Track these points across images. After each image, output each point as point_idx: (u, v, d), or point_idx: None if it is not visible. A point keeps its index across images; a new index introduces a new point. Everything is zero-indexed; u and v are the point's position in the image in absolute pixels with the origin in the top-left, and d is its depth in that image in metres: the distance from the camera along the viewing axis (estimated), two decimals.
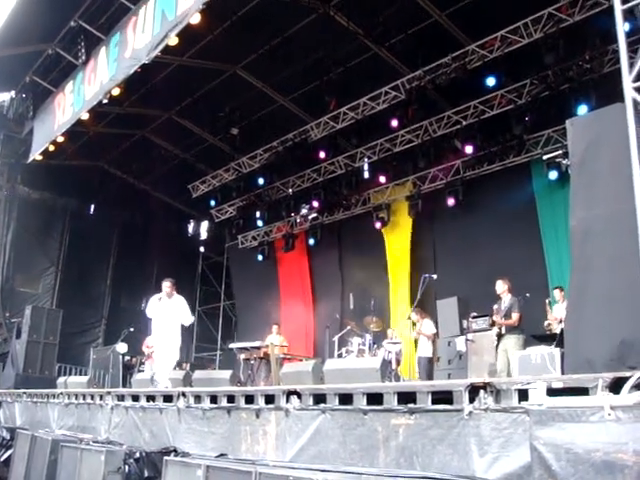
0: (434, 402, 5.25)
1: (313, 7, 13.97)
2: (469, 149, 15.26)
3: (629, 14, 5.47)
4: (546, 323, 11.38)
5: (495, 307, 11.17)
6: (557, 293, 11.83)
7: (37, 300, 20.91)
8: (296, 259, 20.80)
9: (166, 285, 10.79)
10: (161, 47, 11.67)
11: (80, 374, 18.91)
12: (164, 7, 11.52)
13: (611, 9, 5.61)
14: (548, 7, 12.27)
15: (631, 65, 5.21)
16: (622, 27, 5.34)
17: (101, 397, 10.61)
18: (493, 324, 11.16)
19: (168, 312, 10.47)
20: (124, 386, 15.17)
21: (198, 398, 8.22)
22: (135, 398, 9.68)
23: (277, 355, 13.73)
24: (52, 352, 17.96)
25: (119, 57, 12.99)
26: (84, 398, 11.23)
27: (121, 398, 10.06)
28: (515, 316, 10.75)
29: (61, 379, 13.51)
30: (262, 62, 16.06)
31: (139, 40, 12.24)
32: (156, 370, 10.53)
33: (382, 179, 17.82)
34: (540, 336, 10.99)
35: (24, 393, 13.63)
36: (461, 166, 16.06)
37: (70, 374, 18.46)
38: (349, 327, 14.29)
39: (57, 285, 21.98)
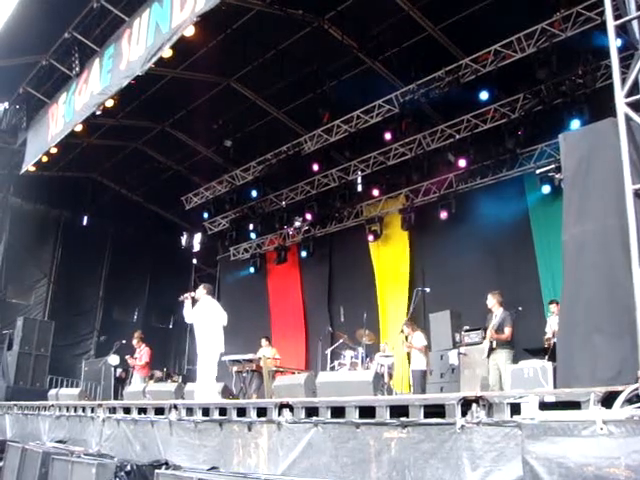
0: (426, 415, 5.25)
1: (307, 20, 14.02)
2: (462, 163, 15.30)
3: (621, 30, 5.51)
4: (546, 337, 11.37)
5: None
6: (553, 307, 11.83)
7: (29, 312, 20.83)
8: (287, 272, 20.77)
9: (200, 288, 10.56)
10: (155, 59, 11.68)
11: (72, 386, 18.83)
12: (158, 19, 11.54)
13: (603, 25, 5.65)
14: (541, 22, 12.35)
15: (623, 80, 5.24)
16: (614, 43, 5.38)
17: (92, 409, 10.58)
18: (486, 337, 11.15)
19: (201, 315, 10.25)
20: (116, 398, 15.10)
21: (190, 410, 8.20)
22: (127, 410, 9.66)
23: (269, 368, 13.68)
24: (43, 364, 17.90)
25: (113, 69, 12.99)
26: (75, 410, 11.20)
27: (113, 410, 10.04)
28: (507, 330, 10.73)
29: (52, 391, 13.47)
30: (256, 74, 16.12)
31: (134, 52, 12.25)
32: (198, 380, 10.24)
33: (375, 192, 17.84)
34: (532, 350, 10.98)
35: (15, 405, 13.58)
36: (454, 179, 16.09)
37: (61, 386, 18.37)
38: (341, 340, 14.26)
39: (49, 297, 21.90)
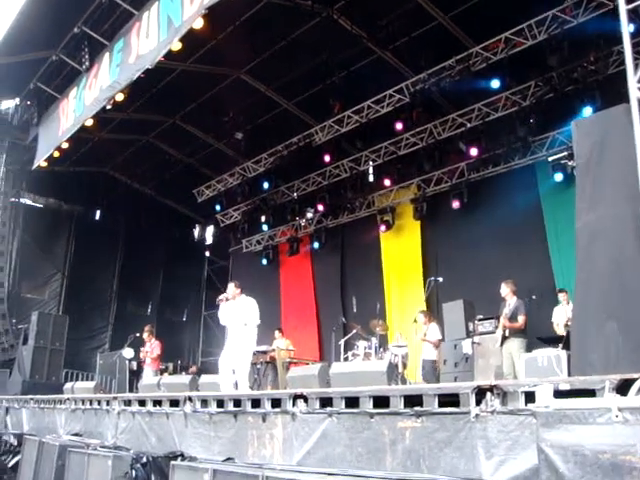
0: (441, 405, 5.24)
1: (316, 11, 13.97)
2: (474, 151, 15.23)
3: (634, 14, 5.45)
4: (555, 324, 11.33)
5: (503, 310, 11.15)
6: (561, 296, 11.79)
7: (43, 306, 20.97)
8: (299, 263, 20.79)
9: (230, 287, 10.52)
10: (164, 52, 11.69)
11: (87, 380, 18.94)
12: (170, 12, 11.52)
13: (615, 10, 5.60)
14: (552, 9, 12.25)
15: (636, 66, 5.20)
16: (627, 28, 5.33)
17: (108, 402, 10.63)
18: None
19: (233, 315, 10.20)
20: (131, 391, 15.17)
21: (205, 402, 8.22)
22: (142, 403, 9.69)
23: (283, 359, 13.72)
24: (59, 358, 17.99)
25: (122, 63, 13.00)
26: (91, 403, 11.25)
27: (128, 403, 10.08)
28: (521, 319, 10.71)
29: (68, 385, 13.55)
30: (266, 66, 16.11)
31: (144, 46, 12.24)
32: (220, 376, 10.23)
33: (387, 182, 17.80)
34: (546, 338, 10.95)
35: (31, 399, 13.66)
36: (466, 168, 16.04)
37: (77, 380, 18.47)
38: (355, 330, 14.27)
39: (63, 291, 22.03)
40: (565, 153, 13.55)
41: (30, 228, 20.83)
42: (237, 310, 10.06)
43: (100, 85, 13.72)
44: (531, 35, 12.72)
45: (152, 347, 15.07)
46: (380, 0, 13.81)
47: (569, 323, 10.05)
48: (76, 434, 11.02)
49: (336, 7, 14.02)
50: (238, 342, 9.97)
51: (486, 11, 13.09)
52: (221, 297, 10.33)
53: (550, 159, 14.11)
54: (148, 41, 12.12)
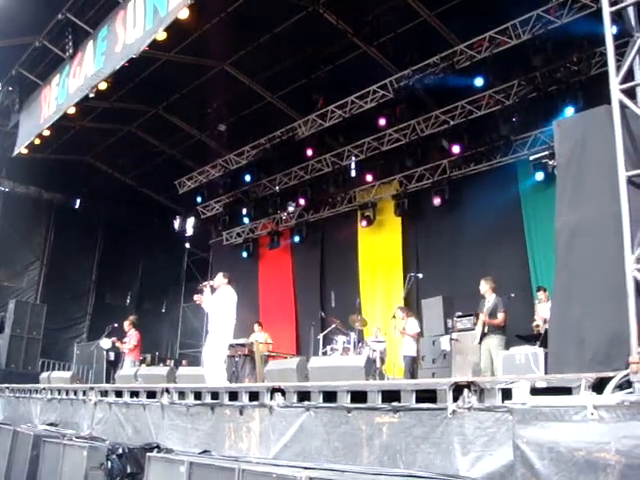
0: (418, 401, 5.26)
1: (302, 5, 13.95)
2: (456, 149, 15.32)
3: (617, 17, 5.48)
4: (534, 324, 11.41)
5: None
6: (540, 294, 11.89)
7: (21, 295, 20.82)
8: (279, 256, 20.82)
9: (218, 276, 10.56)
10: (149, 41, 11.62)
11: (64, 369, 18.85)
12: (155, 2, 11.45)
13: (599, 12, 5.63)
14: (537, 9, 12.32)
15: (618, 67, 5.23)
16: (610, 30, 5.36)
17: (84, 393, 10.59)
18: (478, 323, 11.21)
19: (213, 303, 10.28)
20: (108, 382, 15.11)
21: (182, 394, 8.21)
22: (118, 394, 9.67)
23: (262, 352, 13.71)
24: (35, 347, 17.88)
25: (108, 51, 12.89)
26: (67, 394, 11.20)
27: (104, 394, 10.05)
28: (501, 316, 10.77)
29: (44, 374, 13.45)
30: (250, 59, 16.05)
31: (130, 35, 12.14)
32: (205, 367, 10.30)
33: (369, 178, 17.85)
34: (524, 336, 11.03)
35: (7, 388, 13.57)
36: (448, 166, 16.11)
37: (53, 369, 18.39)
38: (334, 325, 14.29)
39: (41, 280, 21.89)
40: (546, 152, 13.64)
41: (9, 215, 20.66)
42: (219, 298, 10.12)
43: (85, 73, 13.59)
44: (515, 34, 12.79)
45: (129, 337, 15.00)
46: None
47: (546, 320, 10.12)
48: (51, 424, 10.97)
49: (322, 1, 13.99)
50: (216, 330, 10.04)
51: (471, 9, 13.13)
52: (205, 284, 10.38)
53: (531, 158, 14.22)
54: (135, 31, 12.02)
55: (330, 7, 14.11)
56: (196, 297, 10.47)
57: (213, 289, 10.31)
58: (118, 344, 15.20)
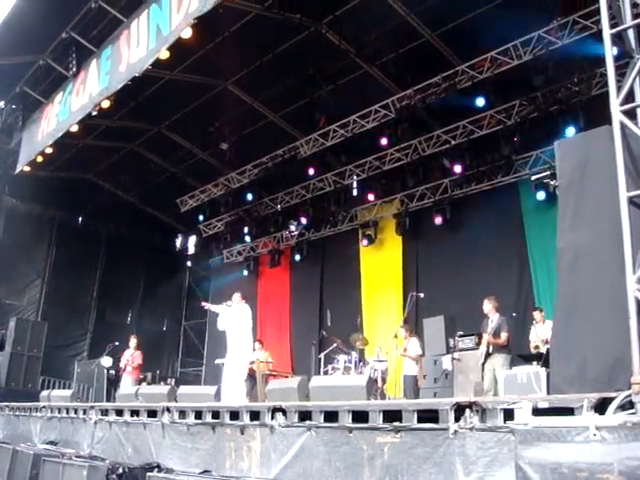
0: (420, 421, 5.24)
1: (305, 25, 14.02)
2: (458, 168, 15.34)
3: (617, 38, 5.52)
4: (532, 344, 11.38)
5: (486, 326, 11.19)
6: (536, 314, 11.86)
7: (22, 312, 20.73)
8: (278, 275, 20.80)
9: (235, 296, 10.77)
10: (152, 60, 11.69)
11: (64, 388, 18.73)
12: (158, 21, 11.53)
13: (599, 33, 5.67)
14: (538, 30, 12.40)
15: (619, 88, 5.26)
16: (610, 51, 5.40)
17: (84, 411, 10.55)
18: (479, 342, 11.18)
19: (230, 322, 10.48)
20: (108, 400, 15.05)
21: (183, 413, 8.18)
22: (119, 413, 9.64)
23: (263, 371, 13.68)
24: (36, 365, 17.83)
25: (112, 70, 12.96)
26: (67, 412, 11.17)
27: (105, 412, 10.01)
28: (504, 335, 10.76)
29: (44, 392, 13.41)
30: (253, 78, 16.11)
31: (134, 54, 12.22)
32: (224, 385, 10.46)
33: (370, 197, 17.87)
34: (526, 356, 11.00)
35: (6, 406, 13.52)
36: (449, 185, 16.12)
37: (54, 387, 18.26)
38: (335, 344, 14.26)
39: (42, 297, 21.79)
40: (548, 172, 13.62)
41: (11, 233, 20.64)
42: (236, 317, 10.32)
43: (89, 92, 13.65)
44: (517, 55, 12.86)
45: (133, 356, 14.99)
46: (368, 16, 13.85)
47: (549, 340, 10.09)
48: (51, 443, 10.93)
49: (324, 21, 14.08)
50: (235, 348, 10.22)
51: (473, 30, 13.19)
52: (222, 305, 10.62)
53: (533, 178, 14.22)
54: (139, 50, 12.10)
55: (332, 27, 14.18)
56: (204, 303, 10.67)
57: (230, 308, 10.55)
58: (123, 361, 15.15)
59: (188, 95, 17.15)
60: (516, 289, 14.36)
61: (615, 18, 5.67)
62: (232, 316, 10.44)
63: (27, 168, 16.94)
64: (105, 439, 9.64)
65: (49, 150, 15.79)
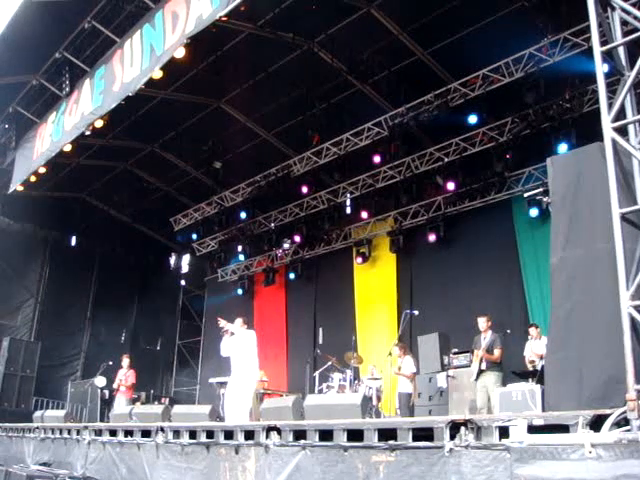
0: (415, 439, 5.22)
1: (298, 43, 14.10)
2: (451, 185, 15.37)
3: (608, 56, 5.57)
4: (529, 359, 11.37)
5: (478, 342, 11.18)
6: (532, 330, 11.85)
7: (15, 332, 20.64)
8: (273, 293, 20.74)
9: (237, 321, 10.83)
10: (145, 80, 11.73)
11: (57, 408, 18.63)
12: (152, 41, 11.57)
13: (590, 50, 5.71)
14: (529, 47, 12.49)
15: (610, 105, 5.29)
16: (601, 68, 5.43)
17: (78, 432, 10.49)
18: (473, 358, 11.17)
19: (234, 348, 10.54)
20: (102, 421, 14.96)
21: (177, 433, 8.13)
22: (113, 433, 9.58)
23: (257, 390, 13.61)
24: (29, 385, 17.75)
25: (105, 90, 12.98)
26: (61, 433, 11.09)
27: (98, 433, 9.95)
28: (497, 352, 10.75)
29: (37, 413, 13.33)
30: (246, 97, 16.18)
31: (128, 74, 12.25)
32: (226, 409, 10.52)
33: (364, 214, 17.87)
34: (520, 373, 10.99)
35: None
36: (442, 202, 16.14)
37: (47, 408, 18.19)
38: (330, 362, 14.21)
39: (36, 317, 21.68)
40: (541, 189, 13.62)
41: (4, 252, 20.55)
42: (240, 342, 10.36)
43: (82, 111, 13.67)
44: (508, 72, 12.94)
45: (127, 376, 14.92)
46: (360, 34, 13.94)
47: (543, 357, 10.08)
48: (44, 464, 10.84)
49: (317, 40, 14.14)
50: (242, 373, 10.25)
51: (464, 48, 13.29)
52: (225, 329, 10.58)
53: (526, 195, 14.20)
54: (132, 69, 12.14)
55: (325, 46, 14.26)
56: (220, 319, 10.70)
57: (232, 334, 10.56)
58: (117, 381, 15.08)
59: (181, 114, 17.20)
60: (509, 306, 14.36)
61: (605, 35, 5.73)
62: (236, 342, 10.48)
63: (20, 187, 16.90)
64: (99, 459, 9.57)
65: (42, 169, 15.78)
